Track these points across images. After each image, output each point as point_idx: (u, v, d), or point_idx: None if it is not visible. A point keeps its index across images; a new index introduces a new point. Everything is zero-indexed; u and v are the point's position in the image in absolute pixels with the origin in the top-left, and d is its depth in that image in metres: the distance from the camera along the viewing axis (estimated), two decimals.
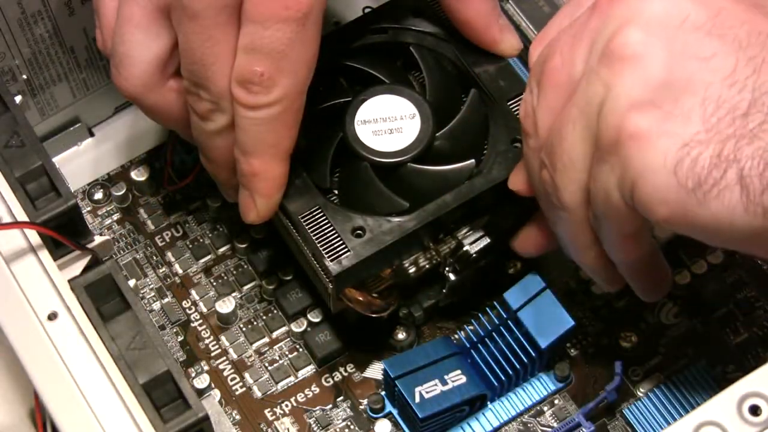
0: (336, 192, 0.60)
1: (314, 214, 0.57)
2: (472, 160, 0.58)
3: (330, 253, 0.56)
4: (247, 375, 0.63)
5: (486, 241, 0.59)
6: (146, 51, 0.57)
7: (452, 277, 0.60)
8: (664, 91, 0.47)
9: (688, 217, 0.46)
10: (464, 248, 0.59)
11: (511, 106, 0.59)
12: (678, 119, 0.46)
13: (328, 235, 0.57)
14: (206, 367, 0.63)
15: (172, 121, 0.59)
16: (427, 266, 0.60)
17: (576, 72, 0.50)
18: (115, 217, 0.67)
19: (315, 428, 0.62)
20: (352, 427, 0.62)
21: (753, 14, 0.47)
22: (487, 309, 0.61)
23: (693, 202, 0.46)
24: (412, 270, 0.60)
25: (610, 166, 0.48)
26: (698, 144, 0.45)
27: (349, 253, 0.56)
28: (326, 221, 0.57)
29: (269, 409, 0.62)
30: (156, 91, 0.58)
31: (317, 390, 0.63)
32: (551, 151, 0.51)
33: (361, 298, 0.59)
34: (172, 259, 0.66)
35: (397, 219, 0.57)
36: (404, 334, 0.63)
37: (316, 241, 0.57)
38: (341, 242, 0.57)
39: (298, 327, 0.64)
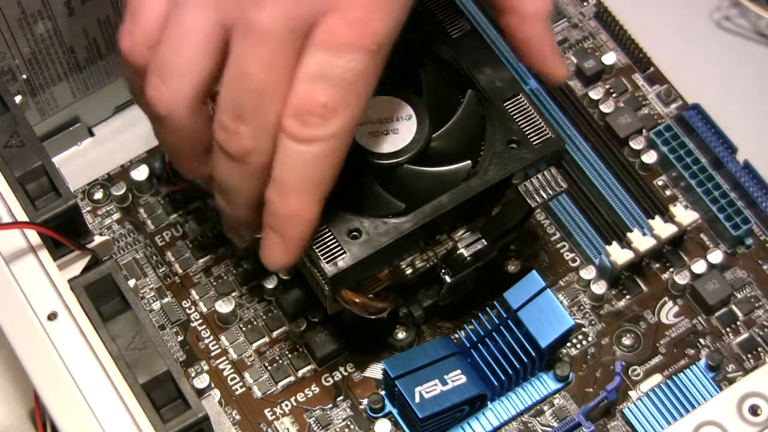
0: (332, 193, 0.59)
1: None
2: (469, 162, 0.58)
3: (326, 255, 0.56)
4: (247, 375, 0.63)
5: (481, 244, 0.59)
6: (200, 67, 0.52)
7: (448, 279, 0.60)
8: None
9: None
10: (458, 251, 0.59)
11: (507, 107, 0.59)
12: None
13: (324, 236, 0.57)
14: (206, 367, 0.63)
15: (188, 148, 0.55)
16: (424, 267, 0.60)
17: None
18: (115, 217, 0.67)
19: (315, 428, 0.62)
20: (352, 426, 0.62)
21: None
22: (487, 309, 0.61)
23: None
24: (408, 271, 0.60)
25: None
26: None
27: (344, 254, 0.56)
28: (322, 223, 0.57)
29: (269, 409, 0.62)
30: (195, 112, 0.53)
31: (317, 390, 0.63)
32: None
33: (357, 300, 0.59)
34: (172, 259, 0.66)
35: (393, 220, 0.57)
36: (404, 333, 0.63)
37: (312, 243, 0.57)
38: (337, 244, 0.56)
39: (298, 327, 0.64)
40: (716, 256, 0.65)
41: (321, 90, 0.51)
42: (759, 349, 0.63)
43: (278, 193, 0.53)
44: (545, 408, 0.62)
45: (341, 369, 0.63)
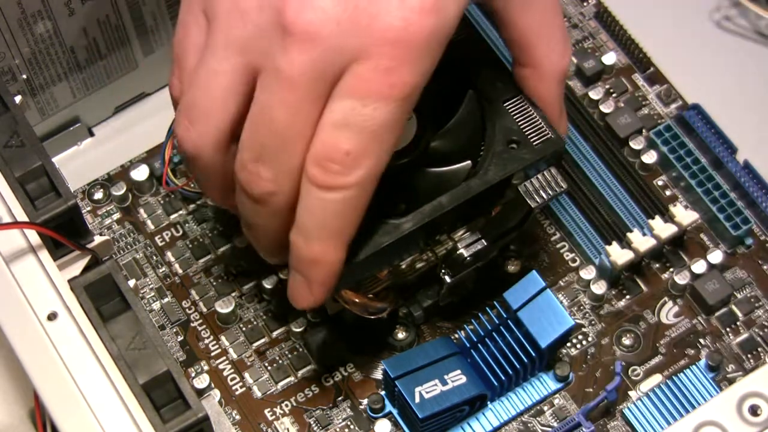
0: None
1: None
2: (469, 162, 0.58)
3: None
4: (247, 375, 0.63)
5: (481, 244, 0.59)
6: (225, 109, 0.53)
7: (448, 279, 0.60)
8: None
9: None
10: (458, 251, 0.59)
11: (507, 107, 0.59)
12: None
13: None
14: (206, 367, 0.63)
15: (219, 187, 0.56)
16: (424, 267, 0.60)
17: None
18: (115, 217, 0.67)
19: (315, 428, 0.62)
20: (352, 427, 0.62)
21: None
22: (487, 309, 0.61)
23: None
24: (408, 271, 0.60)
25: None
26: None
27: None
28: None
29: (269, 409, 0.62)
30: (221, 153, 0.54)
31: (317, 390, 0.63)
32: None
33: (357, 300, 0.59)
34: (172, 259, 0.66)
35: (393, 221, 0.57)
36: (404, 333, 0.63)
37: None
38: None
39: (298, 327, 0.64)
40: (716, 256, 0.65)
41: (345, 138, 0.51)
42: (759, 349, 0.63)
43: (301, 237, 0.53)
44: (545, 408, 0.62)
45: (341, 369, 0.63)
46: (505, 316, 0.60)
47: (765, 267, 0.65)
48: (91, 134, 0.71)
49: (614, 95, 0.70)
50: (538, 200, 0.58)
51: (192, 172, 0.57)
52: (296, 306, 0.56)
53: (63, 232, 0.53)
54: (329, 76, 0.51)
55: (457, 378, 0.59)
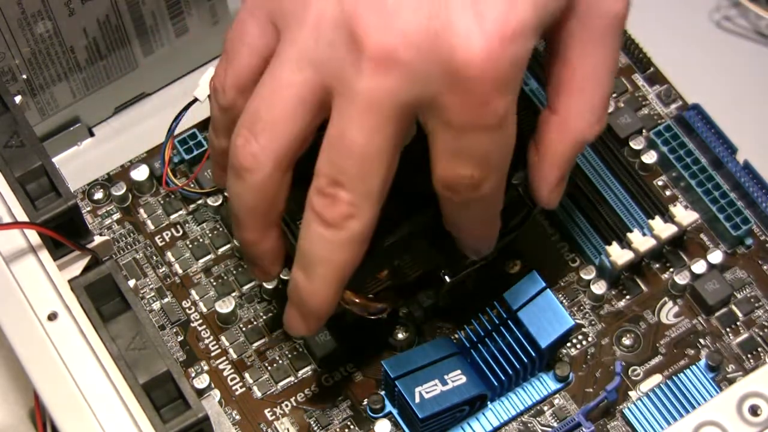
0: None
1: None
2: None
3: None
4: (247, 375, 0.63)
5: None
6: (293, 124, 0.51)
7: (448, 279, 0.60)
8: None
9: None
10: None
11: None
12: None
13: None
14: (206, 367, 0.63)
15: (264, 209, 0.54)
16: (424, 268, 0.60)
17: None
18: (115, 217, 0.67)
19: (315, 428, 0.62)
20: (352, 427, 0.62)
21: None
22: (487, 309, 0.61)
23: None
24: (408, 272, 0.60)
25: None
26: None
27: None
28: None
29: (269, 409, 0.62)
30: (281, 171, 0.52)
31: (317, 390, 0.63)
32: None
33: (357, 300, 0.59)
34: (172, 259, 0.66)
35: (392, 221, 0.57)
36: (404, 333, 0.63)
37: None
38: None
39: None
40: (716, 256, 0.65)
41: (463, 166, 0.51)
42: (759, 349, 0.63)
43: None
44: (545, 408, 0.62)
45: (341, 369, 0.63)
46: (505, 316, 0.60)
47: (765, 267, 0.65)
48: (91, 134, 0.71)
49: (614, 95, 0.70)
50: None
51: (236, 194, 0.54)
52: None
53: (63, 232, 0.53)
54: (409, 101, 0.49)
55: (457, 378, 0.59)
